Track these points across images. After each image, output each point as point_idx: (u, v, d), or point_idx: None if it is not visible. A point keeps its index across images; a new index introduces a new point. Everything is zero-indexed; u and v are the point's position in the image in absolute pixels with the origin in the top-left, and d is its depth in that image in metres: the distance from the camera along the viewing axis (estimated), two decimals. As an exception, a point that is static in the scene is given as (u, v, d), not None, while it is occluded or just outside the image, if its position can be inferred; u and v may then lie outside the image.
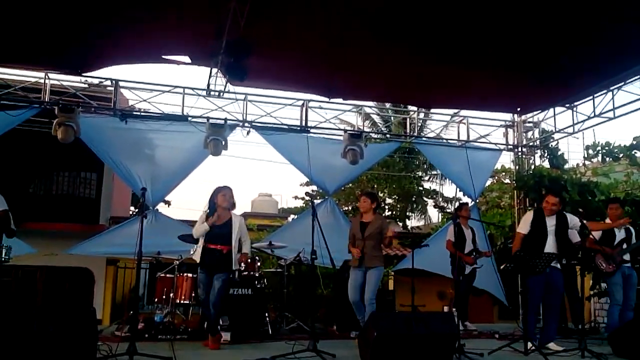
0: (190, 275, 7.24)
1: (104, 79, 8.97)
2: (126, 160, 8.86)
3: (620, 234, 7.03)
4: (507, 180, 15.67)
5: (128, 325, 6.72)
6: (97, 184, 13.86)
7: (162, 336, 6.43)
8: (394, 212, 21.36)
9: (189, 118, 9.02)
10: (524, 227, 6.44)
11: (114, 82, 8.90)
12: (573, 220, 6.37)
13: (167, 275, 7.32)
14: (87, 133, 8.48)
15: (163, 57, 7.91)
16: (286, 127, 9.62)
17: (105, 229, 11.29)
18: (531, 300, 6.24)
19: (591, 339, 6.89)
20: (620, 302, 6.84)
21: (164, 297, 7.18)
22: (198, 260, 6.16)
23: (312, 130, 9.75)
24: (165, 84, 9.12)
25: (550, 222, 6.31)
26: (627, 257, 7.00)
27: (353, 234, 6.61)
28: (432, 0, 6.27)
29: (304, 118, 9.66)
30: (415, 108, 11.19)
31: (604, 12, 6.40)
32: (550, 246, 6.20)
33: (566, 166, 10.97)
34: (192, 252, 6.79)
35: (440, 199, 21.29)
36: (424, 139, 11.73)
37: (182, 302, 7.22)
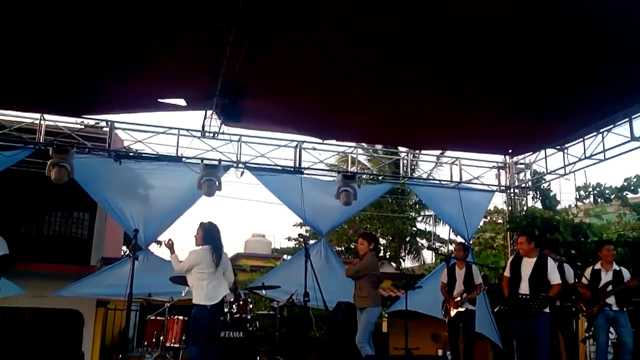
0: (181, 317, 7.14)
1: (99, 120, 9.05)
2: (119, 201, 8.85)
3: (606, 276, 7.10)
4: (500, 221, 15.70)
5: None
6: (89, 224, 13.75)
7: (151, 379, 6.31)
8: (388, 253, 21.28)
9: (183, 159, 9.08)
10: (506, 270, 6.55)
11: (109, 123, 8.98)
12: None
13: (158, 318, 7.21)
14: (81, 173, 8.49)
15: (159, 100, 8.00)
16: (280, 168, 9.68)
17: (96, 269, 11.16)
18: (517, 342, 6.21)
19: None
20: (603, 345, 6.87)
21: (154, 340, 7.05)
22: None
23: (305, 172, 9.81)
24: (160, 125, 9.23)
25: (527, 265, 6.31)
26: (610, 300, 7.00)
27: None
28: (422, 45, 6.38)
29: (297, 159, 9.73)
30: (406, 149, 11.30)
31: (592, 56, 6.54)
32: (524, 288, 6.21)
33: (558, 207, 11.02)
34: (182, 294, 6.74)
35: (434, 240, 21.25)
36: (416, 180, 11.80)
37: (172, 345, 7.09)
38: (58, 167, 8.06)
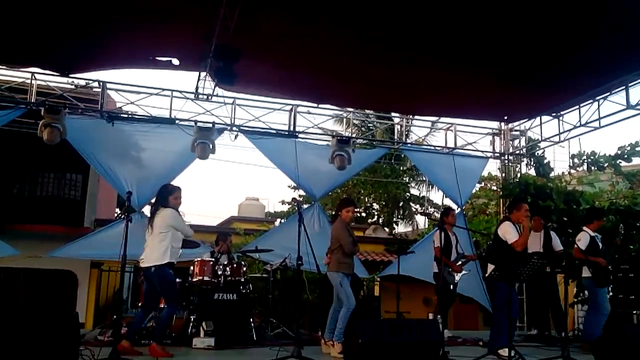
0: (176, 279, 7.18)
1: (91, 80, 8.92)
2: (112, 162, 8.78)
3: (601, 245, 7.09)
4: (494, 188, 15.76)
5: (111, 330, 6.66)
6: (82, 185, 13.74)
7: (145, 341, 6.35)
8: (381, 218, 21.40)
9: (177, 121, 8.99)
10: (516, 233, 6.26)
11: (101, 83, 8.86)
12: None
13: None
14: (74, 134, 8.40)
15: (152, 58, 7.86)
16: (274, 131, 9.62)
17: (90, 231, 11.20)
18: (509, 307, 6.12)
19: (574, 347, 6.94)
20: (608, 312, 6.87)
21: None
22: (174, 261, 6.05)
23: (300, 135, 9.76)
24: (153, 87, 9.12)
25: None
26: None
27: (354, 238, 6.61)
28: (419, 7, 6.28)
29: (292, 123, 9.67)
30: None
31: (589, 24, 6.47)
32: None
33: (552, 175, 11.05)
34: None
35: (427, 205, 21.36)
36: (411, 145, 11.78)
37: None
38: (50, 128, 7.96)
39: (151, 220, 6.04)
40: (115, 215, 16.32)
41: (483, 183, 16.88)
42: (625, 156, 10.12)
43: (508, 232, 6.20)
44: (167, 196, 6.08)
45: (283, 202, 19.83)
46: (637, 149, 9.95)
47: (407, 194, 21.54)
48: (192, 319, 6.96)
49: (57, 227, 12.53)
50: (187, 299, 7.33)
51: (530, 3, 6.08)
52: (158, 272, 5.85)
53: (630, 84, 8.45)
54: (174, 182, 8.91)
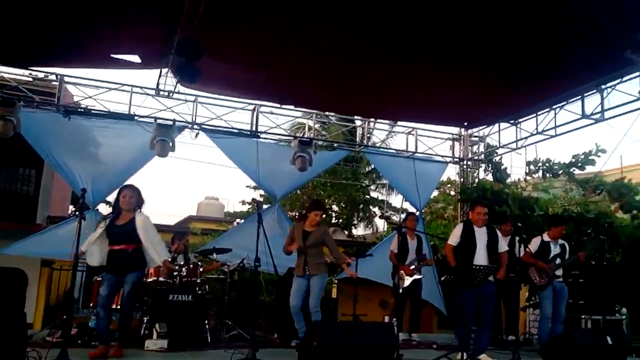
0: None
1: (49, 73, 8.67)
2: (67, 158, 8.55)
3: (555, 249, 7.23)
4: (452, 192, 15.99)
5: (60, 331, 6.48)
6: (35, 181, 13.33)
7: (96, 342, 6.19)
8: (340, 220, 21.44)
9: (136, 117, 8.82)
10: (453, 238, 6.40)
11: (58, 76, 8.62)
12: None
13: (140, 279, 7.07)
14: (28, 128, 8.16)
15: (112, 56, 7.69)
16: (236, 131, 9.54)
17: (42, 228, 10.87)
18: (464, 311, 6.19)
19: (525, 351, 7.09)
20: (549, 316, 7.06)
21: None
22: (94, 264, 5.84)
23: (262, 136, 9.71)
24: (112, 82, 8.91)
25: (481, 234, 6.29)
26: (559, 272, 7.21)
27: (293, 239, 6.60)
28: (378, 16, 6.32)
29: (254, 123, 9.61)
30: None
31: (548, 35, 6.63)
32: (481, 258, 6.17)
33: (508, 180, 11.27)
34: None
35: (387, 209, 21.51)
36: (372, 148, 11.85)
37: (118, 307, 6.99)
38: (4, 121, 7.71)
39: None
40: (69, 212, 15.91)
41: (442, 188, 17.12)
42: (579, 164, 10.40)
43: (452, 233, 6.35)
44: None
45: (243, 202, 19.67)
46: (591, 157, 10.23)
47: (367, 196, 21.65)
48: (145, 320, 6.82)
49: (7, 223, 12.10)
50: (141, 300, 7.18)
51: (494, 13, 6.19)
52: None
53: (585, 94, 8.72)
54: (131, 180, 8.82)
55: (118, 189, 6.12)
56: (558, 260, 7.14)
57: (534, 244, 7.26)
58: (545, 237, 7.33)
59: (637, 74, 7.78)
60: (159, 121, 8.68)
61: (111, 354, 5.55)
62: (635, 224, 10.16)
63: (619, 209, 10.56)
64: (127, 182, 8.66)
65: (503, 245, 6.41)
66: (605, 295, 8.92)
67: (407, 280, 8.06)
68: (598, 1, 5.77)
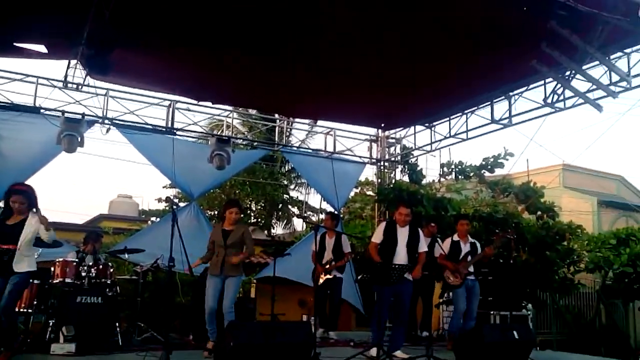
0: (34, 281, 6.62)
1: (-57, 61, 8.05)
2: (-35, 152, 7.97)
3: (465, 248, 7.44)
4: (370, 192, 16.27)
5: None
6: None
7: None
8: (259, 220, 21.30)
9: (42, 110, 8.35)
10: (377, 236, 6.52)
11: (-46, 65, 8.01)
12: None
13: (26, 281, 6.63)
14: None
15: (15, 44, 7.21)
16: (150, 127, 9.24)
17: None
18: (380, 309, 6.31)
19: (439, 346, 7.30)
20: (462, 311, 7.30)
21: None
22: None
23: (178, 133, 9.45)
24: (16, 72, 8.39)
25: (402, 233, 6.42)
26: (470, 269, 7.45)
27: (213, 240, 6.44)
28: (297, 14, 6.32)
29: (170, 119, 9.34)
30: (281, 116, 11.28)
31: (459, 42, 6.87)
32: (401, 257, 6.30)
33: (423, 182, 11.59)
34: (35, 256, 6.26)
35: (305, 209, 21.59)
36: (291, 148, 11.85)
37: (22, 310, 6.58)
38: None
39: None
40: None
41: (360, 188, 17.38)
42: (489, 167, 10.90)
43: (376, 232, 6.45)
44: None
45: (159, 200, 19.09)
46: (500, 160, 10.75)
47: (286, 196, 21.65)
48: (51, 324, 6.44)
49: None
50: (46, 303, 6.79)
51: (410, 19, 6.34)
52: None
53: (495, 100, 9.18)
54: (37, 176, 8.35)
55: (7, 190, 5.70)
56: (469, 258, 7.37)
57: (446, 245, 7.46)
58: (455, 237, 7.55)
59: (542, 82, 8.24)
60: (66, 115, 8.26)
61: None
62: (539, 224, 10.75)
63: (525, 210, 11.14)
64: (31, 179, 8.27)
65: (423, 246, 6.56)
66: (512, 292, 9.35)
67: (321, 279, 8.08)
68: (506, 12, 6.02)
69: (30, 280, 6.33)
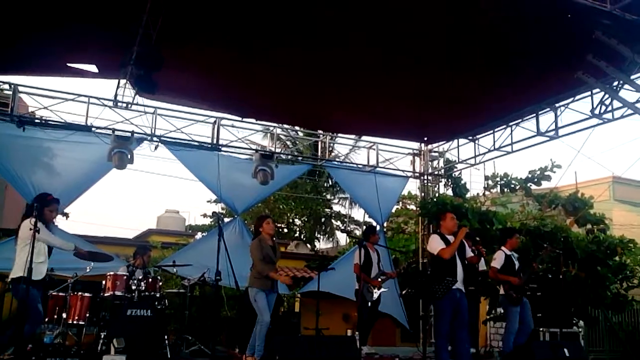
0: (86, 294, 6.84)
1: (2, 82, 8.45)
2: (21, 169, 8.30)
3: (517, 263, 7.22)
4: (413, 207, 16.14)
5: (13, 347, 6.25)
6: (-13, 193, 12.92)
7: (51, 358, 5.99)
8: (303, 234, 21.41)
9: (93, 129, 8.65)
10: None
11: (12, 86, 8.40)
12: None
13: (60, 294, 6.87)
14: (-21, 138, 7.93)
15: (69, 65, 7.53)
16: (197, 143, 9.44)
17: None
18: (440, 325, 6.09)
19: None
20: (515, 331, 7.05)
21: (55, 316, 6.72)
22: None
23: (223, 149, 9.63)
24: (68, 92, 8.73)
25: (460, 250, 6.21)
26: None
27: (269, 255, 6.48)
28: (342, 30, 6.39)
29: (215, 136, 9.53)
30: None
31: (504, 54, 6.81)
32: (460, 273, 6.09)
33: (467, 195, 11.46)
34: (87, 270, 6.49)
35: (348, 223, 21.59)
36: (335, 162, 11.90)
37: (75, 322, 6.79)
38: (-46, 131, 7.47)
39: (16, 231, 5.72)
40: (23, 225, 15.40)
41: (402, 202, 17.28)
42: (535, 180, 10.68)
43: (433, 243, 6.23)
44: (42, 207, 5.73)
45: (205, 216, 19.45)
46: (546, 173, 10.52)
47: (329, 210, 21.70)
48: (103, 336, 6.62)
49: (-43, 237, 11.67)
50: (98, 315, 6.98)
51: (455, 32, 6.32)
52: (13, 287, 5.58)
53: (540, 112, 8.99)
54: (88, 192, 8.64)
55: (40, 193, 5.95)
56: (521, 275, 7.13)
57: (499, 259, 7.21)
58: (506, 251, 7.32)
59: (588, 93, 8.06)
60: (116, 133, 8.53)
61: None
62: (589, 238, 10.45)
63: (574, 223, 10.85)
64: (83, 195, 8.59)
65: (469, 251, 6.44)
66: (562, 308, 9.09)
67: (375, 294, 7.99)
68: (552, 24, 5.95)
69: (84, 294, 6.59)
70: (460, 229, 6.11)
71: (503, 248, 7.35)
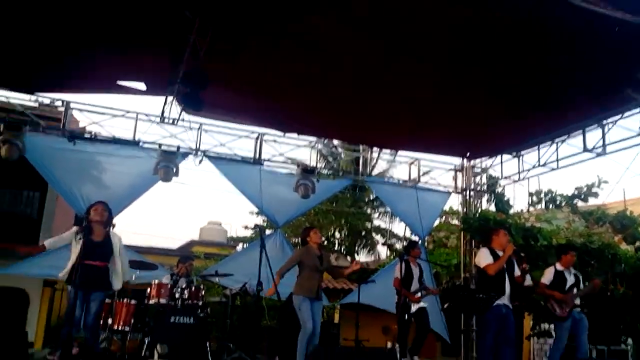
0: (131, 301, 7.05)
1: (54, 99, 8.80)
2: (71, 182, 8.64)
3: (570, 279, 7.07)
4: (455, 222, 15.97)
5: (60, 350, 6.48)
6: (39, 203, 13.40)
7: (98, 362, 6.20)
8: (342, 248, 21.41)
9: (141, 143, 8.92)
10: (496, 266, 6.25)
11: (65, 102, 8.75)
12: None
13: (106, 301, 7.10)
14: (33, 151, 8.30)
15: (118, 83, 7.82)
16: (240, 158, 9.62)
17: (45, 249, 10.88)
18: (485, 339, 6.07)
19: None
20: (563, 348, 6.87)
21: (101, 322, 6.95)
22: (65, 278, 5.85)
23: (265, 163, 9.78)
24: (117, 108, 9.05)
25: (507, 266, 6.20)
26: (577, 301, 7.04)
27: (307, 264, 6.55)
28: (382, 46, 6.44)
29: (257, 150, 9.69)
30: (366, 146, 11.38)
31: (550, 69, 6.72)
32: (507, 288, 6.10)
33: (511, 211, 11.27)
34: (133, 278, 6.71)
35: (389, 236, 21.49)
36: (375, 177, 11.91)
37: (120, 328, 7.00)
38: (9, 144, 7.84)
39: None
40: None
41: (444, 217, 17.10)
42: (582, 196, 10.41)
43: (481, 257, 6.18)
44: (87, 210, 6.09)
45: (246, 228, 19.68)
46: (593, 190, 10.25)
47: (368, 223, 21.65)
48: (147, 342, 6.81)
49: (10, 244, 12.09)
50: (143, 321, 7.18)
51: (498, 46, 6.29)
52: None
53: (587, 129, 8.79)
54: (135, 204, 8.91)
55: (88, 205, 6.14)
56: (575, 290, 7.00)
57: (548, 275, 7.14)
58: (559, 267, 7.20)
59: (637, 110, 7.87)
60: (163, 147, 8.79)
61: None
62: (638, 255, 10.14)
63: (623, 241, 10.55)
64: (130, 207, 8.84)
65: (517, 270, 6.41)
66: (609, 325, 8.84)
67: (414, 307, 7.98)
68: (600, 39, 5.86)
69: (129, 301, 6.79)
70: (508, 246, 6.07)
71: (557, 264, 7.22)
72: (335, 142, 18.73)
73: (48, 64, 7.31)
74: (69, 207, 10.66)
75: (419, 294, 8.04)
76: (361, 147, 11.23)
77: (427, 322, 8.15)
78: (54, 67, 7.44)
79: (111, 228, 6.07)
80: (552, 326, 9.77)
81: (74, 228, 6.02)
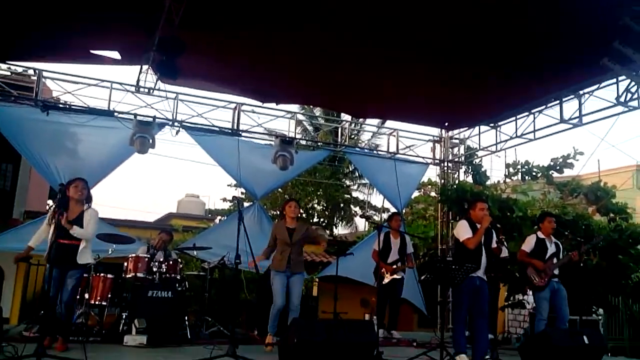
0: (108, 275, 6.98)
1: (27, 67, 8.56)
2: (45, 153, 8.44)
3: (551, 248, 7.07)
4: (433, 193, 16.09)
5: (37, 326, 6.42)
6: (12, 175, 13.14)
7: (74, 337, 6.14)
8: (321, 220, 21.47)
9: (116, 113, 8.75)
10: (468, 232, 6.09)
11: (37, 71, 8.52)
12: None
13: (83, 275, 7.02)
14: (4, 122, 8.12)
15: (91, 52, 7.62)
16: (217, 129, 9.51)
17: (19, 223, 10.73)
18: (459, 311, 6.06)
19: (503, 349, 7.16)
20: (546, 317, 6.87)
21: (77, 297, 6.88)
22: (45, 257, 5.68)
23: (243, 134, 9.68)
24: (91, 77, 8.84)
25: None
26: (556, 271, 7.05)
27: (276, 237, 6.59)
28: (365, 15, 6.35)
29: (235, 121, 9.58)
30: (347, 117, 11.34)
31: (527, 40, 6.72)
32: (484, 259, 6.04)
33: (488, 183, 11.37)
34: (109, 252, 6.63)
35: (367, 208, 21.60)
36: (353, 148, 11.89)
37: (97, 303, 6.94)
38: (-21, 114, 7.61)
39: None
40: (47, 207, 15.71)
41: (422, 188, 17.22)
42: (558, 167, 10.54)
43: (460, 230, 6.18)
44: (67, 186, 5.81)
45: (224, 200, 19.61)
46: (569, 161, 10.38)
47: (348, 196, 21.71)
48: (124, 316, 6.77)
49: (-17, 218, 11.95)
50: (120, 296, 7.13)
51: (476, 17, 6.25)
52: None
53: (564, 99, 8.85)
54: (110, 176, 8.77)
55: (67, 181, 5.99)
56: (555, 260, 7.00)
57: (529, 243, 7.13)
58: (540, 235, 7.18)
59: (614, 80, 7.93)
60: (139, 118, 8.62)
61: (55, 347, 5.49)
62: (611, 226, 10.33)
63: (596, 212, 10.73)
64: (105, 179, 8.70)
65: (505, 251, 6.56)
66: (582, 296, 9.02)
67: (387, 279, 8.11)
68: (577, 9, 5.85)
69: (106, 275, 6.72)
70: (485, 218, 6.07)
71: (538, 233, 7.23)
72: (317, 112, 18.63)
73: (21, 32, 7.09)
74: (42, 180, 10.49)
75: (395, 266, 8.11)
76: (341, 119, 11.19)
77: (397, 293, 8.26)
78: (27, 35, 7.23)
79: (90, 204, 5.91)
80: (525, 297, 9.96)
81: (49, 214, 5.87)
